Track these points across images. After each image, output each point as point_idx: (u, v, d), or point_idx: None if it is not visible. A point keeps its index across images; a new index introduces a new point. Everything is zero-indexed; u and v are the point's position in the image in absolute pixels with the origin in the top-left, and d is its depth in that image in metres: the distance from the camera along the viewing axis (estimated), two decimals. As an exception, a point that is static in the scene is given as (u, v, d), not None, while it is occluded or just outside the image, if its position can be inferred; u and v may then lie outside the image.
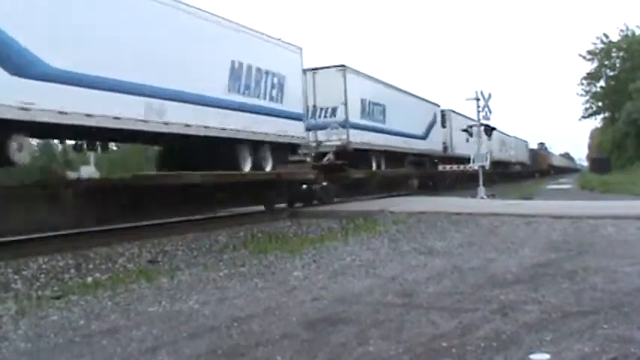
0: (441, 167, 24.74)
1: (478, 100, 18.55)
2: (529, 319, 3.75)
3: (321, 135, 16.41)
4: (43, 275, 6.20)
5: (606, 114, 53.28)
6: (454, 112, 28.72)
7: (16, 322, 4.15)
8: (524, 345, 3.25)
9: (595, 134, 71.62)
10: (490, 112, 18.83)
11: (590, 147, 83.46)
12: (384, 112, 19.62)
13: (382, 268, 5.93)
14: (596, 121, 58.06)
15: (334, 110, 16.63)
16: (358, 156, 17.59)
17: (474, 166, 19.01)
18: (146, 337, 3.68)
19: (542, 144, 72.70)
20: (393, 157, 20.85)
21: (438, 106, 26.90)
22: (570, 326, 3.56)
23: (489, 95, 18.81)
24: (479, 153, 18.83)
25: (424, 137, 24.21)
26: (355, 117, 17.30)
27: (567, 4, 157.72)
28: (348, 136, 16.60)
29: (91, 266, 6.73)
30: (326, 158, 16.47)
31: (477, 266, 5.80)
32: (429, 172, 25.32)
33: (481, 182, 18.07)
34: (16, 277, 6.08)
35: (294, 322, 3.92)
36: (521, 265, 5.72)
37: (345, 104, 16.65)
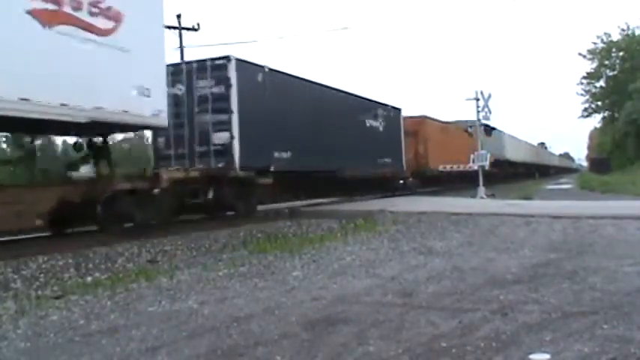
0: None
1: (478, 100, 18.56)
2: (529, 319, 3.74)
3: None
4: (42, 275, 6.19)
5: (605, 113, 53.27)
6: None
7: (15, 322, 4.15)
8: (524, 345, 3.25)
9: (594, 135, 71.64)
10: (490, 112, 18.86)
11: (589, 148, 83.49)
12: None
13: (382, 268, 5.93)
14: (595, 121, 58.05)
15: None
16: None
17: (474, 166, 19.00)
18: (146, 337, 3.68)
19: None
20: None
21: None
22: (570, 326, 3.56)
23: (489, 95, 18.84)
24: (479, 153, 18.82)
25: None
26: None
27: (567, 4, 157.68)
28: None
29: (90, 266, 6.72)
30: None
31: (477, 266, 5.80)
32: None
33: (481, 182, 18.08)
34: (15, 276, 6.08)
35: (293, 322, 3.91)
36: (521, 265, 5.72)
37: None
